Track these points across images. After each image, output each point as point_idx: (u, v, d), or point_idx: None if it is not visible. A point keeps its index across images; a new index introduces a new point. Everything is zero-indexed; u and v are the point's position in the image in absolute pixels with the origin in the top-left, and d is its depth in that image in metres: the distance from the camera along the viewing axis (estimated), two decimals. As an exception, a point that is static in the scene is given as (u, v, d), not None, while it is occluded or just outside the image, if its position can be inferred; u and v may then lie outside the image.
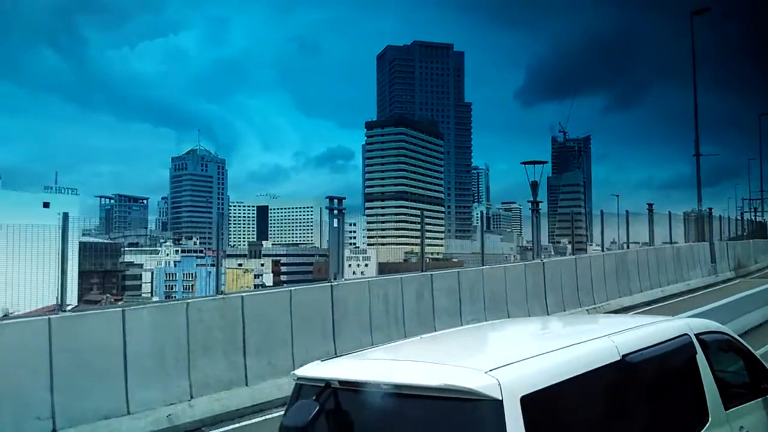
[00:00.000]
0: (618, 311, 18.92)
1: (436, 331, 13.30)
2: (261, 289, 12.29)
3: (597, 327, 4.70)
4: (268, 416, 9.64)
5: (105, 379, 8.26)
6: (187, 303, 9.17)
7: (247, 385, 9.69)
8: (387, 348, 4.10)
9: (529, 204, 16.98)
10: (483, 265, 15.11)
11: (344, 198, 11.71)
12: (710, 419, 3.86)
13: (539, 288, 16.36)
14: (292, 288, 10.74)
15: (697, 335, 4.11)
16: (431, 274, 13.47)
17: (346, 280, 11.98)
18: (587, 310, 17.73)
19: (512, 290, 15.38)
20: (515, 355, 3.20)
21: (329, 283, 11.38)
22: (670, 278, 22.84)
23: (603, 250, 20.00)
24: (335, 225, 11.65)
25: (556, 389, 2.97)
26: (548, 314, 16.36)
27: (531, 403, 2.80)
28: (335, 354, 11.15)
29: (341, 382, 3.22)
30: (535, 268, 16.40)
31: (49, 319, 7.95)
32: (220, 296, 9.64)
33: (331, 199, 11.64)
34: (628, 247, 21.44)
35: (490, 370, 2.89)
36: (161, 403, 8.67)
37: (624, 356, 3.40)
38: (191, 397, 8.99)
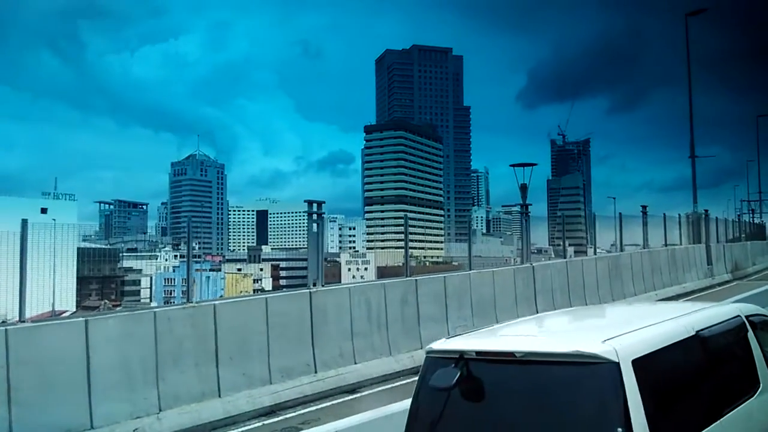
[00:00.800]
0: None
1: (421, 337, 13.00)
2: (235, 297, 11.96)
3: (670, 310, 5.29)
4: (241, 429, 9.31)
5: (66, 393, 7.93)
6: (155, 312, 8.84)
7: (219, 396, 9.35)
8: (497, 327, 4.78)
9: (519, 207, 16.60)
10: (471, 269, 14.76)
11: (323, 202, 11.35)
12: (761, 386, 4.58)
13: (529, 292, 16.00)
14: (268, 296, 10.41)
15: (747, 317, 4.85)
16: (416, 280, 13.13)
17: (325, 286, 11.64)
18: (579, 314, 17.38)
19: (501, 295, 15.03)
20: (618, 329, 3.89)
21: (308, 290, 11.04)
22: (665, 281, 22.46)
23: (594, 253, 19.66)
24: (314, 230, 11.30)
25: (655, 355, 3.72)
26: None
27: (639, 365, 3.50)
28: (314, 362, 10.89)
29: (477, 353, 3.88)
30: (524, 272, 16.03)
31: (6, 330, 7.63)
32: (191, 305, 9.30)
33: (310, 203, 11.28)
34: (621, 250, 21.07)
35: (606, 340, 3.59)
36: (127, 417, 8.34)
37: (697, 332, 4.18)
38: (159, 410, 8.66)
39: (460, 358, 3.81)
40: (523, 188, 16.50)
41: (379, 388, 11.43)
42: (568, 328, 5.14)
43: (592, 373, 3.48)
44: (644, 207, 22.63)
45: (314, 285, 11.21)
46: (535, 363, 3.68)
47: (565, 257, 18.38)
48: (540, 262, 16.99)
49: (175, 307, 9.27)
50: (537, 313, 16.07)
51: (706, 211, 27.97)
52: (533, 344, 3.96)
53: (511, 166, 16.71)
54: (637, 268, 20.86)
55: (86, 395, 8.03)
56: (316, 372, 10.76)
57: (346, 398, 10.85)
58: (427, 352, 4.17)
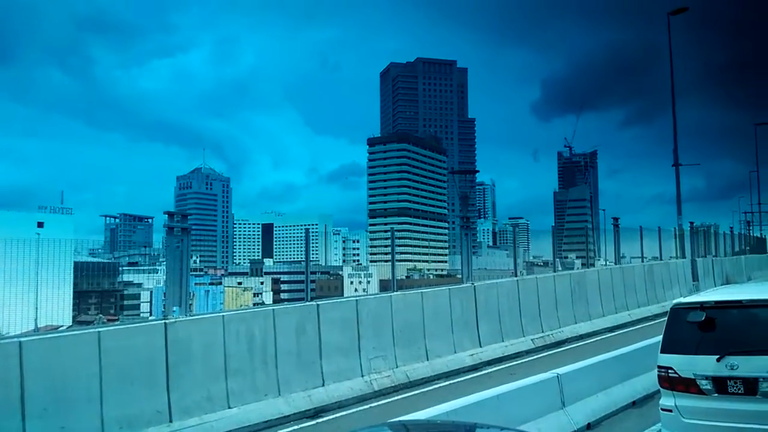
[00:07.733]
0: (573, 339, 16.61)
1: (323, 373, 11.07)
2: (54, 331, 10.06)
3: None
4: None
5: None
6: (-76, 354, 7.01)
7: (23, 458, 7.49)
8: (711, 291, 7.54)
9: (463, 220, 14.69)
10: (395, 290, 12.80)
11: (190, 214, 9.54)
12: None
13: (469, 316, 14.02)
14: (102, 329, 8.52)
15: None
16: (317, 304, 11.23)
17: (191, 316, 9.77)
18: (533, 339, 15.39)
19: (432, 320, 13.07)
20: None
21: (162, 321, 9.18)
22: (641, 300, 20.39)
23: (554, 271, 17.66)
24: (177, 246, 9.44)
25: None
26: (481, 347, 14.10)
27: None
28: (168, 408, 9.01)
29: (716, 302, 6.51)
30: (463, 293, 14.03)
31: None
32: (-16, 343, 7.47)
33: (170, 215, 9.45)
34: (589, 266, 19.08)
35: None
36: None
37: None
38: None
39: (701, 306, 6.37)
40: (464, 198, 14.77)
41: (258, 438, 9.52)
42: (761, 289, 7.86)
43: None
44: (616, 219, 20.69)
45: (172, 314, 9.33)
46: (754, 306, 6.27)
47: (517, 275, 16.41)
48: (485, 281, 14.99)
49: (-40, 347, 7.44)
50: (479, 339, 14.18)
51: (692, 223, 25.97)
52: (752, 296, 6.52)
53: (450, 173, 14.88)
54: (606, 286, 18.80)
55: None
56: (171, 421, 8.86)
57: (209, 452, 8.95)
58: (674, 305, 6.68)
